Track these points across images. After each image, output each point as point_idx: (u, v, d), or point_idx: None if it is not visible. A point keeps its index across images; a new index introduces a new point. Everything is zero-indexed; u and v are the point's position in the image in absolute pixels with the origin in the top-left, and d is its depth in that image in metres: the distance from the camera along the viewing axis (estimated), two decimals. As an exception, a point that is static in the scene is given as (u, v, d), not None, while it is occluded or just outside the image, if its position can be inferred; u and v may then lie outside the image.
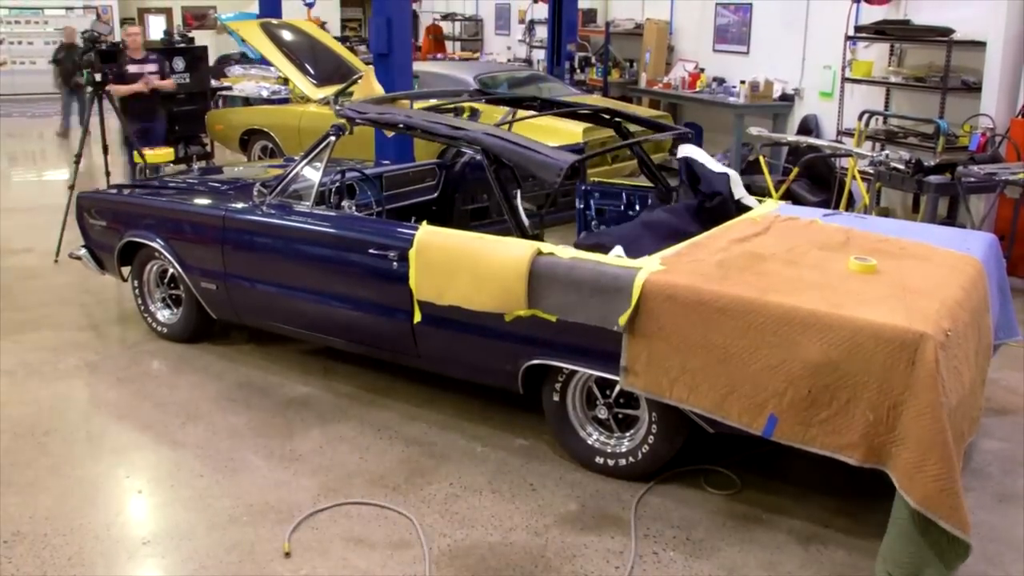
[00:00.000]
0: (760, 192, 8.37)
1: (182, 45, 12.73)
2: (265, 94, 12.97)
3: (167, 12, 24.73)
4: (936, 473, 3.39)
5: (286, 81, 12.10)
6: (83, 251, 6.64)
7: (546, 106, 6.74)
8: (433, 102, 6.73)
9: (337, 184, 5.69)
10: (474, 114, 7.65)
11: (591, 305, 4.17)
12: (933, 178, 7.43)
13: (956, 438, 3.65)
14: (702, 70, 12.64)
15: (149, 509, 4.31)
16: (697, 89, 12.43)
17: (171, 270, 6.12)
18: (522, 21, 17.43)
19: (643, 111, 10.82)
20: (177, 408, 5.29)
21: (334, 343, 5.50)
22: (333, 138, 5.41)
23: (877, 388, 3.53)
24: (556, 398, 4.60)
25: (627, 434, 4.52)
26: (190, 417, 5.19)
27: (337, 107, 5.53)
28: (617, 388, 4.36)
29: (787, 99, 11.36)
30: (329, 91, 10.82)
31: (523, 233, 4.59)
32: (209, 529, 4.10)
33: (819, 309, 3.69)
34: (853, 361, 3.57)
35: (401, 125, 5.32)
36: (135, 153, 9.38)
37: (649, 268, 4.10)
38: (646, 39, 13.51)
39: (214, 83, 13.49)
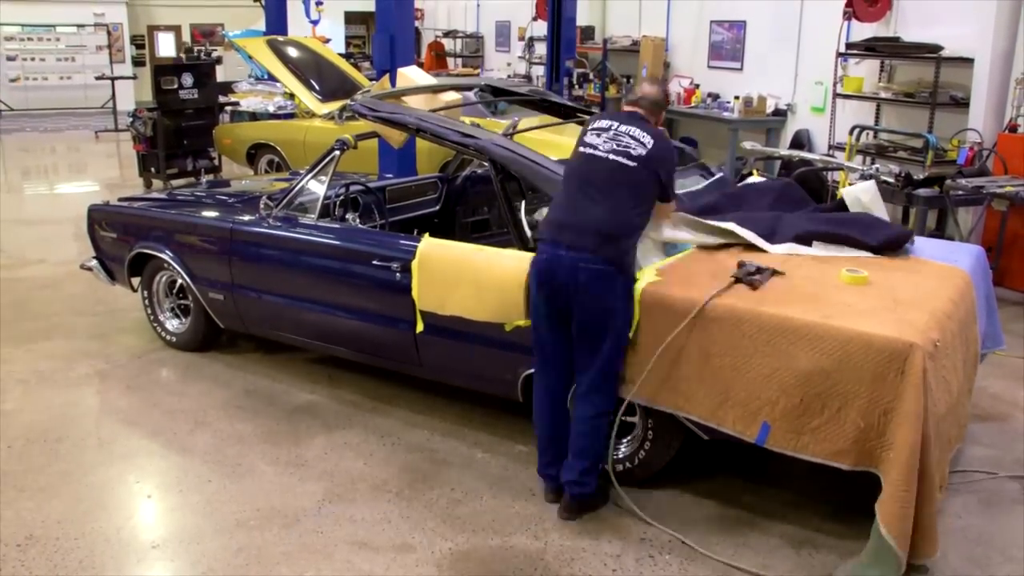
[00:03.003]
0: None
1: (198, 61, 12.78)
2: (271, 109, 13.01)
3: (176, 29, 24.83)
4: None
5: (292, 96, 12.14)
6: (94, 262, 6.66)
7: (551, 108, 6.74)
8: (453, 95, 6.52)
9: (341, 197, 5.72)
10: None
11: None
12: (922, 191, 7.46)
13: (943, 446, 3.67)
14: (697, 86, 12.68)
15: (158, 513, 4.32)
16: (692, 104, 12.47)
17: (180, 281, 6.14)
18: (522, 38, 17.48)
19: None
20: (185, 415, 5.31)
21: (338, 352, 5.52)
22: (338, 152, 5.45)
23: (868, 397, 3.55)
24: (555, 406, 4.61)
25: (624, 440, 4.53)
26: (198, 424, 5.20)
27: (350, 101, 5.51)
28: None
29: (780, 114, 11.41)
30: (334, 106, 10.85)
31: (525, 244, 4.60)
32: (217, 533, 4.11)
33: (811, 320, 3.71)
34: (844, 370, 3.59)
35: (411, 127, 5.23)
36: None
37: (645, 279, 4.12)
38: (642, 56, 13.56)
39: (221, 98, 13.54)
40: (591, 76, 14.42)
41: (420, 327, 4.83)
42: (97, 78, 20.75)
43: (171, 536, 4.10)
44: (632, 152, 4.05)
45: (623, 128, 4.13)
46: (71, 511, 4.28)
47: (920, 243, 5.12)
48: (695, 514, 4.28)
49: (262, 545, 4.01)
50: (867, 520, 4.09)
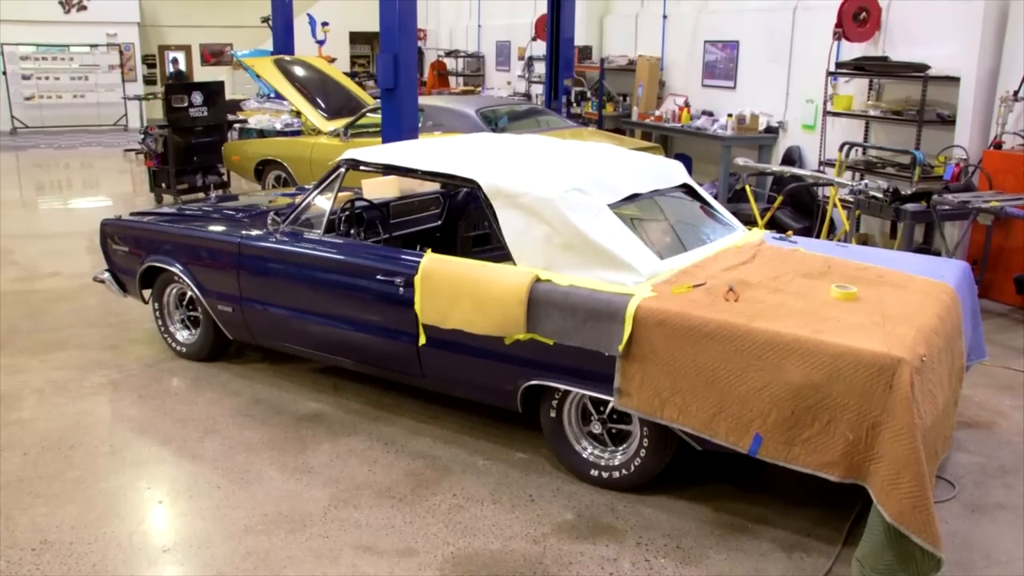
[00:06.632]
0: (747, 219, 8.44)
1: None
2: (278, 127, 13.05)
3: (186, 49, 24.91)
4: (910, 490, 3.43)
5: (298, 114, 12.18)
6: (106, 275, 6.68)
7: None
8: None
9: (347, 213, 5.74)
10: None
11: (586, 330, 4.21)
12: (910, 206, 7.48)
13: (930, 456, 3.69)
14: (687, 105, 12.72)
15: (169, 519, 4.33)
16: (686, 122, 12.49)
17: (189, 293, 6.16)
18: (521, 58, 17.52)
19: (633, 142, 10.88)
20: (195, 423, 5.33)
21: (344, 363, 5.53)
22: (343, 169, 5.48)
23: (856, 410, 3.57)
24: (553, 415, 4.63)
25: (620, 448, 4.56)
26: (208, 432, 5.22)
27: (340, 159, 5.55)
28: (610, 405, 4.39)
29: (772, 131, 11.44)
30: (339, 124, 10.91)
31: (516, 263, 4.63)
32: (226, 537, 4.13)
33: (802, 335, 3.73)
34: (834, 384, 3.61)
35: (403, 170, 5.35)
36: None
37: (641, 295, 4.15)
38: (639, 74, 13.60)
39: (230, 116, 13.58)
40: (589, 94, 14.45)
41: (423, 340, 4.85)
42: (127, 99, 20.84)
43: (181, 541, 4.11)
44: None
45: None
46: (84, 516, 4.29)
47: (908, 258, 5.16)
48: (689, 519, 4.29)
49: (269, 549, 4.03)
50: (853, 524, 4.13)
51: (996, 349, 6.53)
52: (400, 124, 8.53)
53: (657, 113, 13.12)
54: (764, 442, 3.79)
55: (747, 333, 3.80)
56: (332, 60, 16.56)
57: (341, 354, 5.47)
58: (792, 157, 11.00)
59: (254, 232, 5.70)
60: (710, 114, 12.30)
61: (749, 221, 7.77)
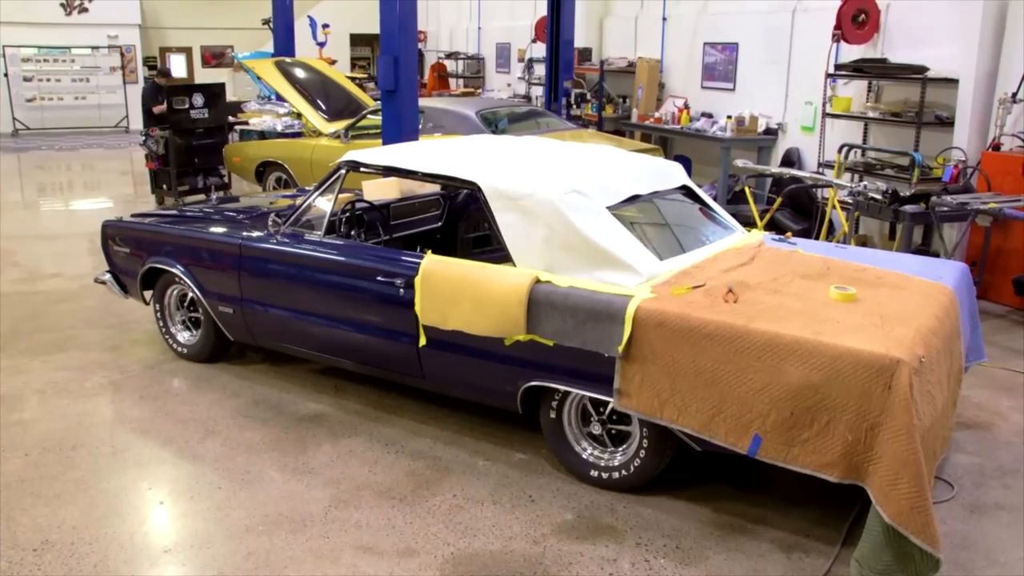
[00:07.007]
0: (746, 221, 8.45)
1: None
2: (279, 128, 13.05)
3: (187, 51, 24.93)
4: (908, 491, 3.43)
5: (299, 116, 12.18)
6: (108, 276, 6.68)
7: None
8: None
9: (347, 214, 5.74)
10: None
11: (586, 331, 4.22)
12: (908, 208, 7.49)
13: (928, 457, 3.69)
14: (686, 107, 12.72)
15: (170, 519, 4.34)
16: (685, 124, 12.49)
17: (190, 294, 6.17)
18: (521, 60, 17.53)
19: (632, 144, 10.88)
20: (196, 424, 5.33)
21: (344, 364, 5.53)
22: (343, 171, 5.48)
23: (855, 411, 3.58)
24: (553, 416, 4.64)
25: (620, 449, 4.56)
26: (208, 433, 5.22)
27: (341, 161, 5.55)
28: (610, 406, 4.40)
29: (771, 133, 11.44)
30: (340, 125, 10.91)
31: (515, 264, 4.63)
32: (227, 538, 4.13)
33: (801, 336, 3.73)
34: (833, 385, 3.62)
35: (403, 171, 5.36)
36: None
37: (640, 296, 4.15)
38: (638, 76, 13.61)
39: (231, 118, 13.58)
40: (588, 96, 14.46)
41: (423, 341, 4.86)
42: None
43: (182, 541, 4.12)
44: None
45: None
46: (86, 517, 4.30)
47: (907, 260, 5.16)
48: (689, 519, 4.30)
49: (270, 550, 4.03)
50: (852, 524, 4.13)
51: (995, 350, 6.53)
52: (400, 126, 8.54)
53: (656, 115, 13.12)
54: (763, 443, 3.80)
55: (746, 334, 3.81)
56: (333, 62, 16.56)
57: (342, 355, 5.47)
58: (791, 159, 11.00)
59: (255, 233, 5.70)
60: (709, 116, 12.30)
61: (748, 222, 7.77)
